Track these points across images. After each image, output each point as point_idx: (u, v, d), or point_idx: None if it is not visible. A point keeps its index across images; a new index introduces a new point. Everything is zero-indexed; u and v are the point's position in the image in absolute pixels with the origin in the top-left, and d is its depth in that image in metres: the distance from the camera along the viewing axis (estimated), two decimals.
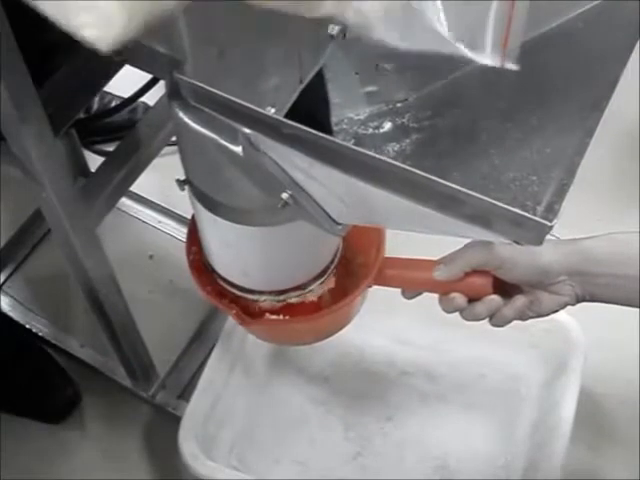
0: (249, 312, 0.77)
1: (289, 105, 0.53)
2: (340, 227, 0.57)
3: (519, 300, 0.71)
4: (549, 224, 0.40)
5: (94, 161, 1.36)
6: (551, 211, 0.40)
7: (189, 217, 0.75)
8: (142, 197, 1.37)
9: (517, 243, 0.41)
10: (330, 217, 0.56)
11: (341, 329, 0.82)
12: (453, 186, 0.40)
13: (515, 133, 0.45)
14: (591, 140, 0.41)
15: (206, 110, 0.52)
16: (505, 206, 0.39)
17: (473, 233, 0.43)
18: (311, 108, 0.54)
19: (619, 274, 0.68)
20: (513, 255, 0.69)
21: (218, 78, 0.50)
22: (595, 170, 1.42)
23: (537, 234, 0.41)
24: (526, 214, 0.40)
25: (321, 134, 0.45)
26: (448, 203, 0.42)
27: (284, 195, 0.56)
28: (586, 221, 1.27)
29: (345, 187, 0.49)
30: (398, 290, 0.77)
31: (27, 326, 1.24)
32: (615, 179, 1.45)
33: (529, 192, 0.42)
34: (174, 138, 0.89)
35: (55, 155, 0.74)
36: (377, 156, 0.42)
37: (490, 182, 0.42)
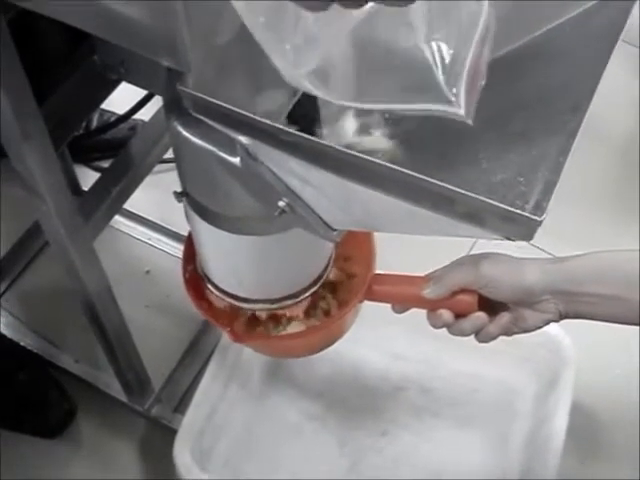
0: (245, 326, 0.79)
1: (284, 116, 0.55)
2: (335, 233, 0.59)
3: (504, 317, 0.73)
4: (538, 219, 0.42)
5: (88, 178, 1.38)
6: (539, 208, 0.42)
7: (183, 233, 0.77)
8: (137, 215, 1.38)
9: (508, 239, 0.44)
10: (325, 223, 0.58)
11: (334, 343, 0.84)
12: (447, 186, 0.42)
13: (501, 138, 0.47)
14: (574, 141, 0.44)
15: (206, 121, 0.54)
16: (497, 203, 0.42)
17: (466, 232, 0.45)
18: (303, 119, 0.56)
19: (601, 294, 0.70)
20: (498, 275, 0.71)
21: (218, 89, 0.52)
22: (594, 186, 1.45)
23: (527, 229, 0.43)
24: (517, 210, 0.42)
25: (318, 140, 0.47)
26: (442, 203, 0.44)
27: (281, 203, 0.57)
28: (584, 236, 1.30)
29: (341, 191, 0.50)
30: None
31: (22, 343, 1.24)
32: (613, 195, 1.47)
33: (518, 192, 0.44)
34: (167, 155, 0.91)
35: (56, 170, 0.76)
36: (374, 160, 0.44)
37: (480, 184, 0.44)
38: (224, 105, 0.50)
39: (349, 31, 0.44)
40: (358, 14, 0.43)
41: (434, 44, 0.42)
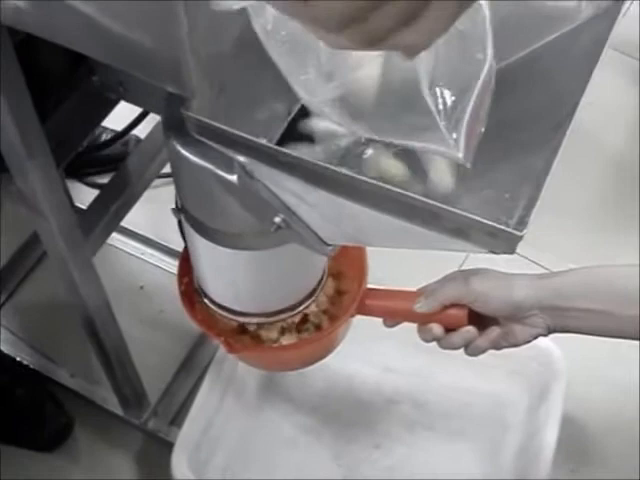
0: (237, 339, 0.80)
1: (279, 135, 0.57)
2: (330, 248, 0.60)
3: (493, 332, 0.75)
4: (520, 234, 0.44)
5: (81, 193, 1.39)
6: (522, 223, 0.45)
7: (178, 249, 0.78)
8: (132, 231, 1.39)
9: (493, 252, 0.46)
10: (320, 239, 0.60)
11: (327, 356, 0.85)
12: (435, 203, 0.44)
13: (487, 156, 0.49)
14: (556, 159, 0.46)
15: (206, 142, 0.56)
16: (482, 220, 0.44)
17: (454, 246, 0.47)
18: (297, 137, 0.58)
19: (590, 309, 0.71)
20: (487, 290, 0.73)
21: (219, 113, 0.54)
22: (593, 199, 1.46)
23: (510, 244, 0.45)
24: (501, 226, 0.45)
25: (314, 160, 0.49)
26: (430, 219, 0.46)
27: (277, 219, 0.59)
28: (582, 249, 1.31)
29: (335, 208, 0.52)
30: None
31: (17, 358, 1.25)
32: (613, 208, 1.48)
33: (502, 207, 0.46)
34: (163, 170, 0.92)
35: (58, 189, 0.77)
36: (367, 179, 0.47)
37: (466, 200, 0.47)
38: (228, 130, 0.52)
39: (363, 67, 0.46)
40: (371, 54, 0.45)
41: (437, 90, 0.45)
